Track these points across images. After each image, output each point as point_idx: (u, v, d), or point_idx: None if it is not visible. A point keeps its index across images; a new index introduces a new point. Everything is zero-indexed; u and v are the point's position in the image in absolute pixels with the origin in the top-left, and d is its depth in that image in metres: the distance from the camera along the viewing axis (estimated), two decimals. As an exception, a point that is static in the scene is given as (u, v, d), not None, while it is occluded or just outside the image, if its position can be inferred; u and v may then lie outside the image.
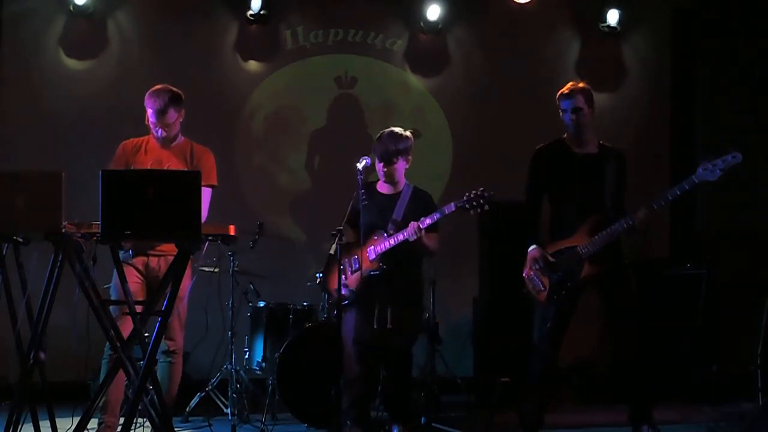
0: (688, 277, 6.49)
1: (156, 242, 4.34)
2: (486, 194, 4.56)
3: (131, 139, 4.62)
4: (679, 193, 4.34)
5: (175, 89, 4.52)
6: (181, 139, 4.62)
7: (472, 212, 4.61)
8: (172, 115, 4.49)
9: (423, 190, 4.90)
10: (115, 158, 4.55)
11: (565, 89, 4.57)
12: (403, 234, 4.62)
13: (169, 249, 4.37)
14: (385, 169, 4.76)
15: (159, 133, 4.50)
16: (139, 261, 4.40)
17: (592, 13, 7.36)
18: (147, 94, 4.50)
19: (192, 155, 4.57)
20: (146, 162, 4.51)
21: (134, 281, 4.30)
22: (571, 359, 6.56)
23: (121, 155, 4.55)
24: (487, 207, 4.58)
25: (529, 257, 4.56)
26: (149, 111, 4.48)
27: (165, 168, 4.46)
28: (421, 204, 4.79)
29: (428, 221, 4.59)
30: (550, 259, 4.49)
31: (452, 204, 4.59)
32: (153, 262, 4.43)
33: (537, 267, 4.51)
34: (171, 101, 4.47)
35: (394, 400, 4.86)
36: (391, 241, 4.66)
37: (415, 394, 5.70)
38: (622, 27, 7.32)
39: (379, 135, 4.84)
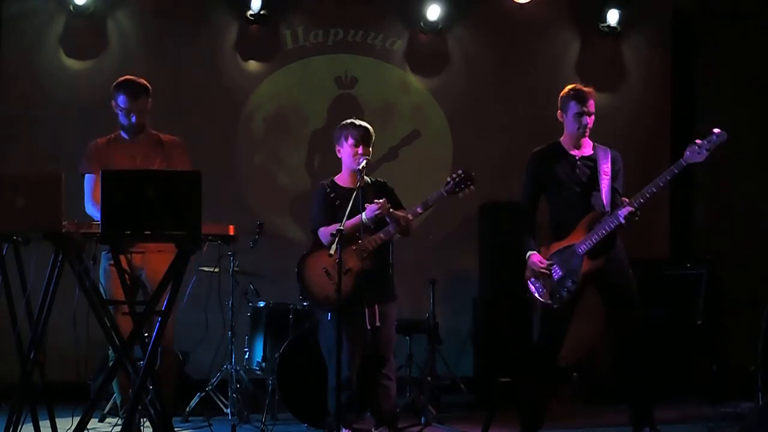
0: (688, 277, 6.49)
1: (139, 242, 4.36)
2: (468, 174, 4.55)
3: (97, 139, 4.65)
4: (669, 178, 4.36)
5: (144, 80, 4.59)
6: (147, 131, 4.65)
7: (461, 195, 4.60)
8: (144, 100, 4.55)
9: (379, 180, 4.86)
10: (91, 158, 4.57)
11: (576, 91, 4.52)
12: (392, 227, 4.57)
13: (150, 246, 4.39)
14: (370, 150, 4.68)
15: (132, 119, 4.53)
16: (122, 260, 4.41)
17: (592, 13, 7.36)
18: (115, 84, 4.55)
19: (163, 147, 4.61)
20: (117, 157, 4.53)
21: (117, 281, 4.28)
22: (572, 359, 6.57)
23: (95, 154, 4.57)
24: (472, 186, 4.58)
25: (528, 264, 4.56)
26: (121, 98, 4.51)
27: (138, 161, 4.51)
28: (385, 193, 4.74)
29: (420, 210, 4.56)
30: (546, 261, 4.49)
31: (442, 191, 4.58)
32: (136, 259, 4.44)
33: (536, 272, 4.50)
34: (143, 88, 4.55)
35: (385, 402, 4.78)
36: (383, 236, 4.60)
37: (415, 394, 5.71)
38: (622, 27, 7.31)
39: (347, 122, 4.77)
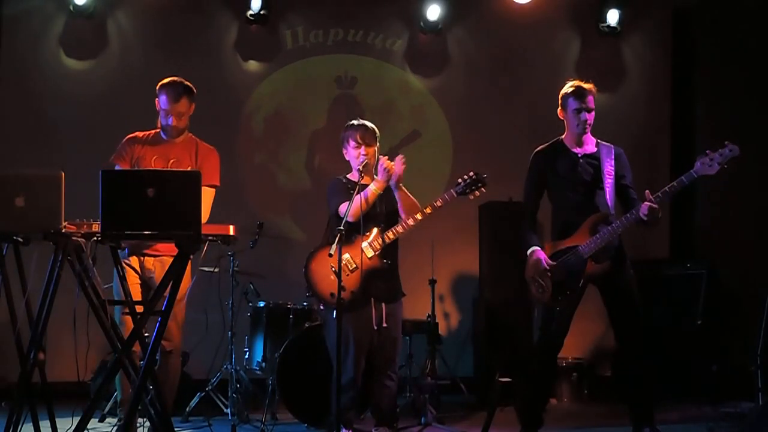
0: (688, 277, 6.49)
1: (153, 243, 4.36)
2: (479, 176, 4.57)
3: (137, 132, 4.64)
4: (678, 187, 4.33)
5: (188, 83, 4.59)
6: (188, 135, 4.65)
7: (471, 197, 4.62)
8: (185, 103, 4.53)
9: None
10: (123, 151, 4.56)
11: (574, 88, 4.52)
12: (402, 226, 4.58)
13: (165, 250, 4.41)
14: (367, 152, 4.68)
15: (170, 121, 4.52)
16: (134, 261, 4.42)
17: (592, 13, 7.37)
18: (160, 84, 4.55)
19: (197, 153, 4.60)
20: (150, 156, 4.53)
21: (131, 282, 4.30)
22: (572, 358, 6.57)
23: (128, 148, 4.56)
24: (483, 189, 4.60)
25: (530, 261, 4.53)
26: (162, 98, 4.51)
27: (170, 163, 4.50)
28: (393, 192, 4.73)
29: (429, 211, 4.56)
30: (550, 261, 4.47)
31: (452, 191, 4.59)
32: (148, 262, 4.45)
33: (539, 270, 4.49)
34: (185, 90, 4.54)
35: (386, 402, 4.77)
36: (391, 235, 4.61)
37: (415, 394, 5.71)
38: (622, 27, 7.33)
39: (348, 124, 4.78)
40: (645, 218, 4.32)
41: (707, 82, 7.35)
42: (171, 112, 4.50)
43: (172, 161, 4.52)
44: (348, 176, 4.83)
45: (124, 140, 4.61)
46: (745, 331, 5.96)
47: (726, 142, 4.27)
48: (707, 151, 4.28)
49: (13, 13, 6.75)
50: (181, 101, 4.51)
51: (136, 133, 4.63)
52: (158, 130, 4.62)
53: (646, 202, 4.31)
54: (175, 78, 4.56)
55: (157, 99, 4.55)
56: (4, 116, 6.65)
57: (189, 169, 4.51)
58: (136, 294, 4.29)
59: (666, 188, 4.33)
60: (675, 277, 6.60)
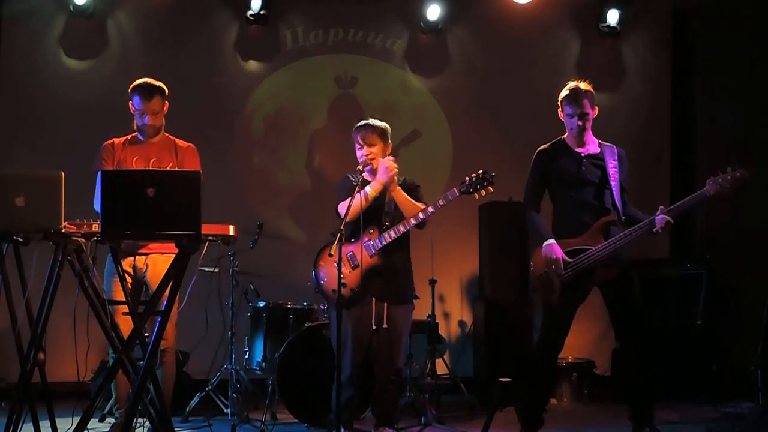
0: (688, 277, 6.49)
1: (145, 242, 4.38)
2: (486, 174, 4.54)
3: (113, 138, 4.69)
4: (690, 206, 4.36)
5: (160, 82, 4.65)
6: (164, 134, 4.70)
7: (477, 196, 4.58)
8: (158, 101, 4.59)
9: (406, 178, 4.81)
10: (104, 156, 4.61)
11: (569, 92, 4.52)
12: (404, 225, 4.57)
13: (155, 248, 4.43)
14: (369, 152, 4.67)
15: (146, 120, 4.58)
16: (126, 261, 4.43)
17: (592, 13, 7.36)
18: (131, 86, 4.61)
19: (177, 151, 4.64)
20: (131, 157, 4.57)
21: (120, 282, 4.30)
22: (572, 358, 6.57)
23: (109, 152, 4.61)
24: (491, 188, 4.56)
25: (546, 254, 4.46)
26: (135, 99, 4.58)
27: (151, 162, 4.54)
28: (411, 190, 4.73)
29: (431, 210, 4.53)
30: (567, 259, 4.43)
31: (455, 189, 4.55)
32: (139, 261, 4.48)
33: (553, 267, 4.45)
34: (157, 89, 4.60)
35: (386, 403, 4.75)
36: (392, 234, 4.59)
37: (415, 394, 5.71)
38: (622, 27, 7.32)
39: (357, 124, 4.80)
40: (660, 231, 4.34)
41: (707, 82, 7.34)
42: (146, 111, 4.57)
43: (152, 160, 4.57)
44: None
45: (103, 146, 4.68)
46: (745, 331, 5.96)
47: (735, 166, 4.29)
48: (719, 173, 4.30)
49: (13, 13, 6.75)
50: (153, 99, 4.57)
51: (113, 139, 4.70)
52: (135, 133, 4.69)
53: (662, 216, 4.32)
54: (145, 79, 4.63)
55: (130, 102, 4.62)
56: (4, 116, 6.64)
57: (170, 166, 4.56)
58: (122, 294, 4.28)
59: (679, 204, 4.35)
60: (675, 277, 6.59)
